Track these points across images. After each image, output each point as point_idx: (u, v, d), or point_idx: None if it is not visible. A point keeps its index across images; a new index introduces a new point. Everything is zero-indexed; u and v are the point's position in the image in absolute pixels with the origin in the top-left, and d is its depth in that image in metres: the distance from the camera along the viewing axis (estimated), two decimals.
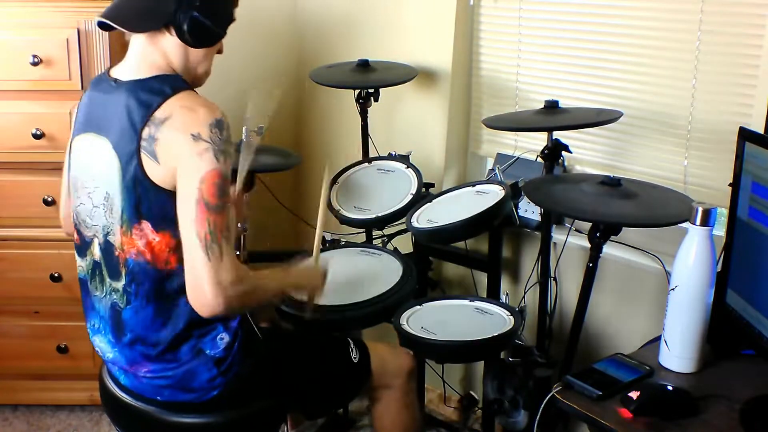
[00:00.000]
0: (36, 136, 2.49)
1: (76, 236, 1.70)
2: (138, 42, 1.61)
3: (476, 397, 2.57)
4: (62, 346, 2.67)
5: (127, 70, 1.61)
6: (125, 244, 1.57)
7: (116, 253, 1.59)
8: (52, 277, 2.60)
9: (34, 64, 2.43)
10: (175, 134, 1.50)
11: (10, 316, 2.67)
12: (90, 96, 1.67)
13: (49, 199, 2.55)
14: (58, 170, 2.53)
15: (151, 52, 1.60)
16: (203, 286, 1.48)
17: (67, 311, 2.65)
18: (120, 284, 1.60)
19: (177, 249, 1.54)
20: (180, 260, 1.54)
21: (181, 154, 1.49)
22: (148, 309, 1.59)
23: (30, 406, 2.81)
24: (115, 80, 1.60)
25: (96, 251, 1.64)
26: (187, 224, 1.49)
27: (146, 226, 1.55)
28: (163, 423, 1.69)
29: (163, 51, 1.60)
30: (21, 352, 2.69)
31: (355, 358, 1.82)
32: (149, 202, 1.53)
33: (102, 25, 1.59)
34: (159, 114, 1.51)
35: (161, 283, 1.57)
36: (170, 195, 1.52)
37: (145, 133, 1.51)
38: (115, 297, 1.62)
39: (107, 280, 1.63)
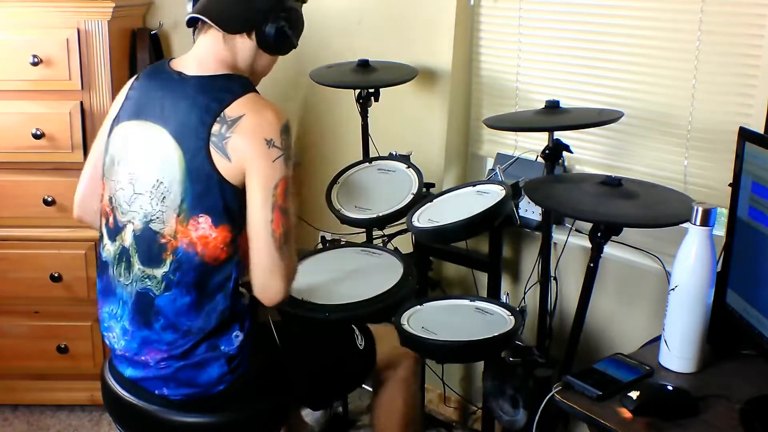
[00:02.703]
0: (36, 136, 2.49)
1: (109, 220, 1.71)
2: (209, 40, 1.67)
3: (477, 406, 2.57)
4: (62, 346, 2.67)
5: (192, 65, 1.67)
6: (179, 232, 1.60)
7: (162, 241, 1.62)
8: (52, 277, 2.60)
9: (34, 64, 2.43)
10: (248, 137, 1.57)
11: (10, 316, 2.67)
12: (144, 85, 1.71)
13: (49, 199, 2.55)
14: (58, 170, 2.56)
15: (222, 50, 1.66)
16: (276, 281, 1.60)
17: (67, 311, 2.65)
18: (160, 271, 1.63)
19: (230, 245, 1.60)
20: (230, 256, 1.61)
21: (254, 158, 1.57)
22: (186, 298, 1.62)
23: (30, 406, 2.81)
24: (179, 73, 1.65)
25: (127, 237, 1.67)
26: (264, 226, 1.58)
27: (205, 220, 1.59)
28: (165, 422, 1.69)
29: (234, 51, 1.67)
30: (21, 352, 2.69)
31: (360, 344, 1.84)
32: (215, 196, 1.58)
33: (190, 22, 1.66)
34: (229, 112, 1.58)
35: (205, 276, 1.61)
36: (237, 191, 1.59)
37: (215, 129, 1.57)
38: (148, 283, 1.64)
39: (137, 266, 1.65)
